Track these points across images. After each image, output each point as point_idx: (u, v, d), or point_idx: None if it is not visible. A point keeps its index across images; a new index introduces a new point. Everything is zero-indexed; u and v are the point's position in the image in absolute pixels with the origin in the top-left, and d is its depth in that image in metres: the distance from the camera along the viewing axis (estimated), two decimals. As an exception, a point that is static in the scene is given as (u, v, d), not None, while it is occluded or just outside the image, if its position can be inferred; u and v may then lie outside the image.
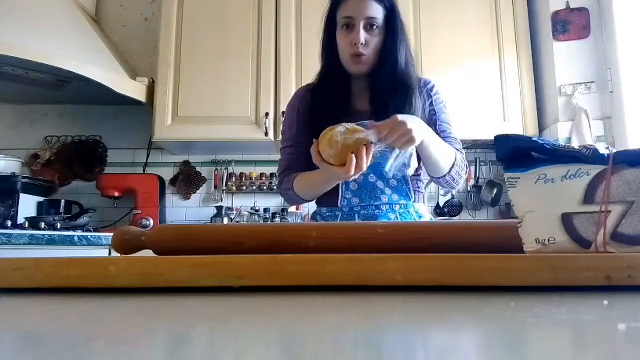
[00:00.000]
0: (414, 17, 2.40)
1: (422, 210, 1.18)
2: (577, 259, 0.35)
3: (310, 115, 1.18)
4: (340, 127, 0.92)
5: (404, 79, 1.13)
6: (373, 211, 1.12)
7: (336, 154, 0.91)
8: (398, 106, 1.10)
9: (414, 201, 1.16)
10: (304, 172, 1.13)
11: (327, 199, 1.15)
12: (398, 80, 1.12)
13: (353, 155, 0.90)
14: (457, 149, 1.17)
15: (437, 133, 1.13)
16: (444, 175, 1.14)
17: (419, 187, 1.20)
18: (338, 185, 1.12)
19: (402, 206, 1.14)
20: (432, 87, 1.21)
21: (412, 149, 1.04)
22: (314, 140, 0.96)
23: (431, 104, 1.19)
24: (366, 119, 1.14)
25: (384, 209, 1.12)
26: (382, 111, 1.12)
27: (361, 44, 1.09)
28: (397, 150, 1.02)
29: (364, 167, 0.92)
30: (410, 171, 1.12)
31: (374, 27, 1.11)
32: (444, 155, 1.11)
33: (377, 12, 1.11)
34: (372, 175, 1.12)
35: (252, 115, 2.33)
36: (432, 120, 1.18)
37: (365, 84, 1.18)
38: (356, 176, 0.95)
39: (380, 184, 1.13)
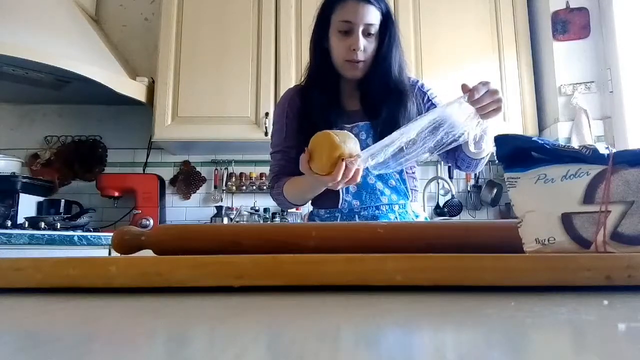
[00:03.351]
0: (414, 17, 2.40)
1: (418, 210, 1.18)
2: (577, 259, 0.35)
3: (301, 118, 1.16)
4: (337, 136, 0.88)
5: (397, 86, 1.12)
6: (373, 212, 1.12)
7: (327, 163, 0.87)
8: (392, 111, 1.09)
9: (411, 201, 1.16)
10: (294, 177, 1.11)
11: (326, 202, 1.14)
12: (391, 86, 1.11)
13: (344, 163, 0.87)
14: None
15: None
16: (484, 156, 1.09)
17: (415, 186, 1.20)
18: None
19: (401, 206, 1.14)
20: (422, 84, 1.21)
21: (485, 125, 0.95)
22: (306, 149, 0.93)
23: (428, 99, 1.18)
24: (359, 119, 1.14)
25: (384, 209, 1.12)
26: (374, 111, 1.12)
27: (360, 50, 1.08)
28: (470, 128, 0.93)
29: (350, 177, 0.89)
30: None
31: (372, 33, 1.10)
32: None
33: (376, 18, 1.09)
34: (370, 176, 1.12)
35: (252, 115, 2.33)
36: None
37: (356, 84, 1.16)
38: (342, 187, 0.92)
39: (379, 184, 1.12)
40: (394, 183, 1.13)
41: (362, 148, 1.12)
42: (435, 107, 1.15)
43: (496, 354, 0.19)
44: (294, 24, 2.41)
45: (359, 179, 0.91)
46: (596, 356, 0.18)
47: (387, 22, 1.11)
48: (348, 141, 0.89)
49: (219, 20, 2.41)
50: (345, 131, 0.92)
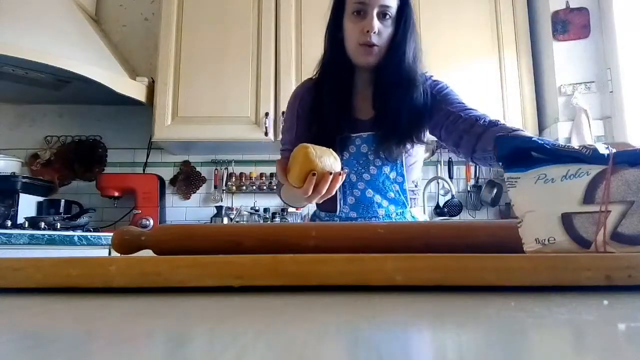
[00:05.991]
0: (414, 17, 2.40)
1: (418, 215, 1.16)
2: (577, 259, 0.35)
3: (311, 118, 1.12)
4: (314, 149, 0.85)
5: (410, 75, 1.06)
6: (370, 220, 1.10)
7: (299, 176, 0.85)
8: (400, 103, 1.05)
9: (410, 207, 1.14)
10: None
11: (326, 206, 1.12)
12: (403, 75, 1.05)
13: (314, 179, 0.84)
14: (481, 115, 1.03)
15: (452, 113, 1.03)
16: None
17: (415, 195, 1.17)
18: (336, 195, 1.08)
19: (399, 214, 1.12)
20: (434, 81, 1.14)
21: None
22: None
23: (439, 91, 1.10)
24: (365, 129, 1.09)
25: (381, 217, 1.11)
26: (385, 121, 1.08)
27: (374, 32, 1.02)
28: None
29: (323, 192, 0.86)
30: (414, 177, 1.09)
31: (387, 16, 1.03)
32: None
33: (392, 1, 1.03)
34: (369, 190, 1.09)
35: (252, 115, 2.33)
36: (445, 101, 1.07)
37: (370, 78, 1.11)
38: (316, 202, 0.90)
39: (377, 197, 1.10)
40: (392, 195, 1.10)
41: (362, 162, 1.11)
42: (445, 96, 1.08)
43: (496, 354, 0.19)
44: (294, 24, 2.41)
45: (333, 192, 0.89)
46: (596, 356, 0.18)
47: (405, 6, 1.06)
48: (325, 157, 0.85)
49: (219, 20, 2.41)
50: (327, 148, 0.88)
